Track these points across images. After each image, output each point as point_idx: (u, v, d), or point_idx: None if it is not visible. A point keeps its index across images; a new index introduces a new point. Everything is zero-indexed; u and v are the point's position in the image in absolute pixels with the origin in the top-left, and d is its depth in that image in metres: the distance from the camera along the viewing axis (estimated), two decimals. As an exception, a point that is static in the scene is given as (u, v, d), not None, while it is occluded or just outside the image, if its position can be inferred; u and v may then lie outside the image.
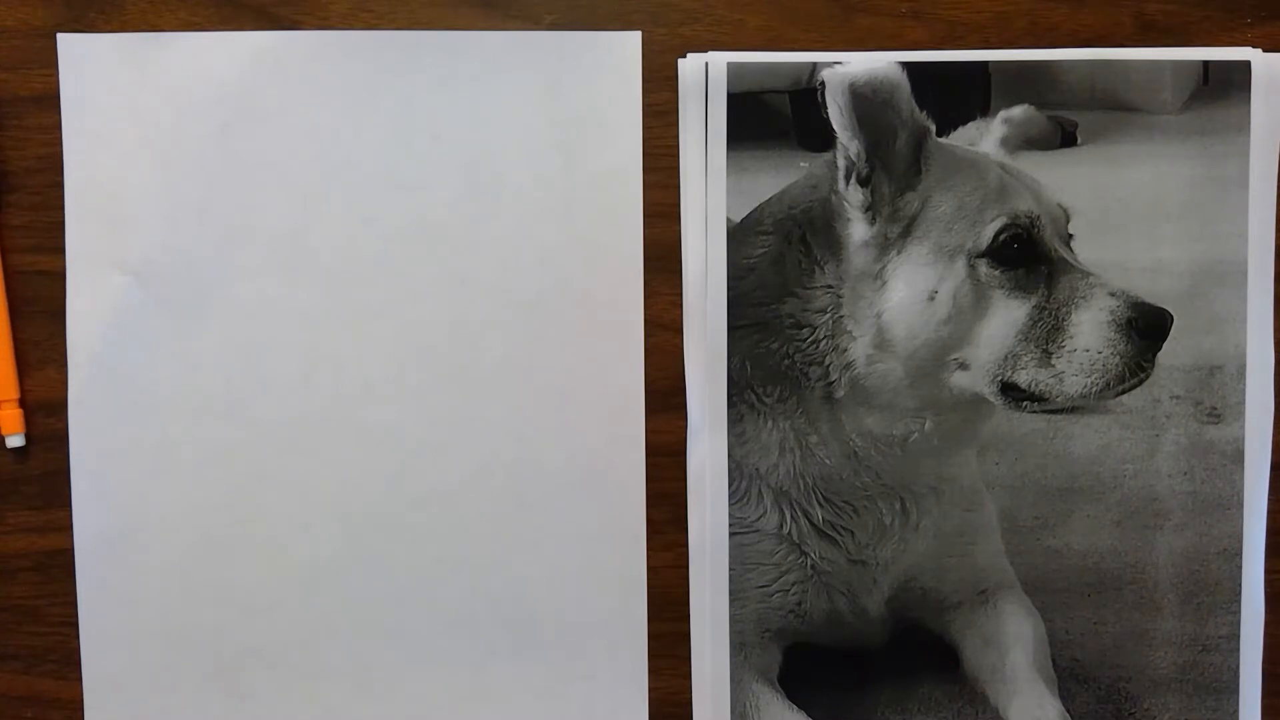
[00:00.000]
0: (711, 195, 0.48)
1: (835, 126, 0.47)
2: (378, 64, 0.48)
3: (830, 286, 0.48)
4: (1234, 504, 0.49)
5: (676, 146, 0.48)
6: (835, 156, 0.47)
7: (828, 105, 0.47)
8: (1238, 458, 0.49)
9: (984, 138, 0.48)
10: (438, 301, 0.49)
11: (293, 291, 0.48)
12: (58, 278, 0.49)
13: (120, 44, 0.48)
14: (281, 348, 0.49)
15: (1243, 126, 0.48)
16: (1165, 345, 0.47)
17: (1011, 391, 0.47)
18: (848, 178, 0.47)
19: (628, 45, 0.48)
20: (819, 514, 0.49)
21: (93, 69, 0.48)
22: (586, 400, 0.49)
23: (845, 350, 0.48)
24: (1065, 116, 0.48)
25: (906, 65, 0.47)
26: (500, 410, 0.49)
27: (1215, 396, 0.49)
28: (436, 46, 0.48)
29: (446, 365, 0.49)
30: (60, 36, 0.48)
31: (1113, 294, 0.47)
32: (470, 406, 0.49)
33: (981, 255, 0.47)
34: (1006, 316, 0.47)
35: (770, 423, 0.48)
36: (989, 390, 0.47)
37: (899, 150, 0.47)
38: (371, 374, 0.49)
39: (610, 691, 0.50)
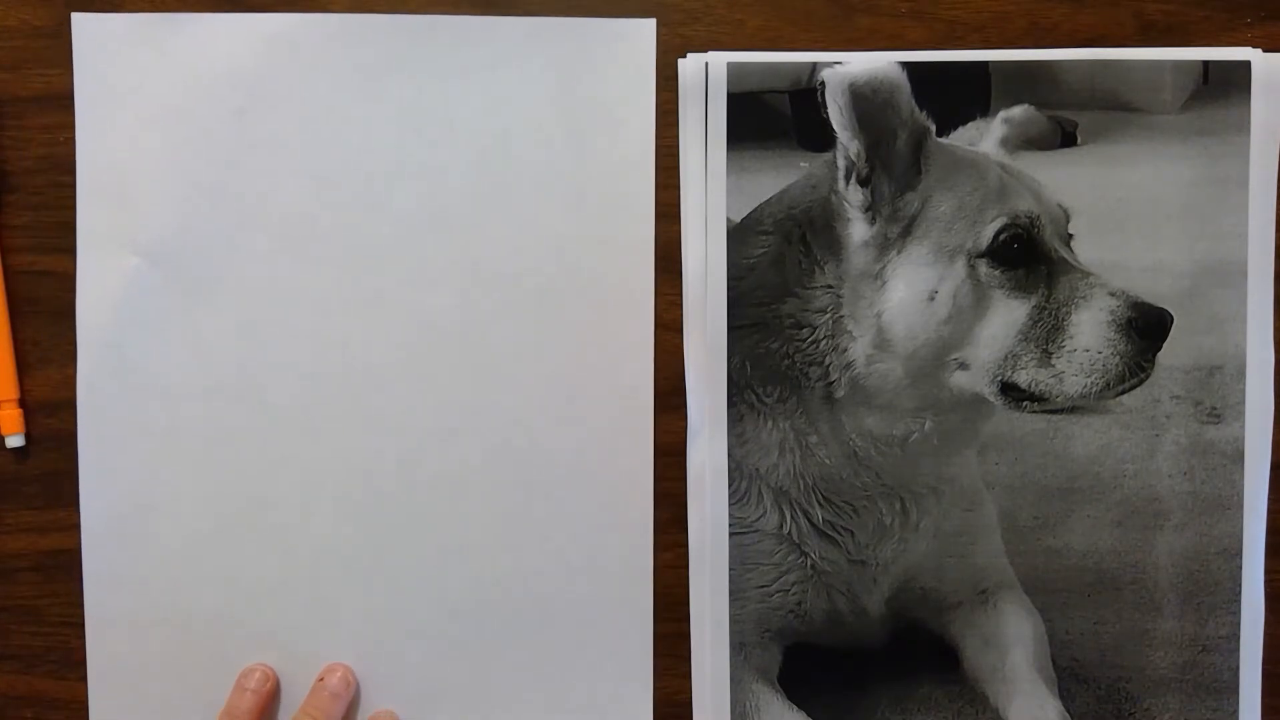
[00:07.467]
0: (711, 195, 0.48)
1: (835, 126, 0.47)
2: (392, 48, 0.48)
3: (830, 286, 0.48)
4: (1234, 504, 0.49)
5: (677, 146, 0.48)
6: (835, 156, 0.47)
7: (828, 105, 0.47)
8: (1238, 458, 0.49)
9: (984, 138, 0.48)
10: (449, 288, 0.48)
11: (304, 276, 0.48)
12: (58, 278, 0.49)
13: (135, 24, 0.48)
14: (292, 332, 0.49)
15: (1243, 126, 0.48)
16: (1165, 345, 0.47)
17: (1011, 391, 0.47)
18: (848, 178, 0.47)
19: (642, 32, 0.48)
20: (819, 514, 0.49)
21: (107, 48, 0.48)
22: (596, 389, 0.49)
23: (845, 350, 0.48)
24: (1065, 116, 0.48)
25: (906, 65, 0.47)
26: (510, 399, 0.49)
27: (1215, 396, 0.49)
28: (451, 31, 0.48)
29: (457, 352, 0.49)
30: (75, 16, 0.48)
31: (1113, 294, 0.47)
32: (480, 394, 0.49)
33: (981, 255, 0.47)
34: (1006, 316, 0.47)
35: (770, 423, 0.48)
36: (989, 390, 0.47)
37: (899, 150, 0.47)
38: (382, 360, 0.49)
39: (616, 686, 0.50)
